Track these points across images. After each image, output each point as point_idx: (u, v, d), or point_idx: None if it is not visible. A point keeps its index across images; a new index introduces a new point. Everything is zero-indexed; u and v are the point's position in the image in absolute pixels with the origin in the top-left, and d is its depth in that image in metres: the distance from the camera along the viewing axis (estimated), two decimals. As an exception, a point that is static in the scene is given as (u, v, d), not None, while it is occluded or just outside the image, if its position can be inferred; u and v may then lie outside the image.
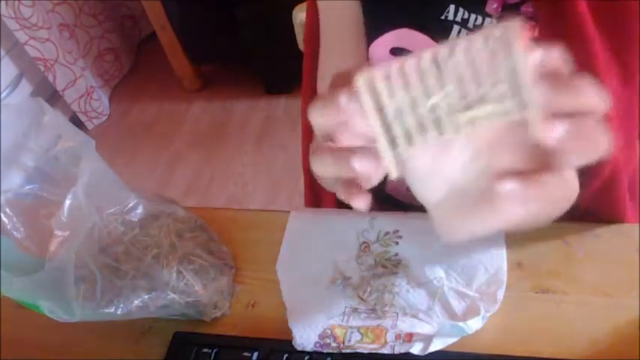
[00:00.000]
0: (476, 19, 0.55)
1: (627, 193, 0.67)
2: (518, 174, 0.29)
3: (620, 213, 0.61)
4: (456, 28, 0.55)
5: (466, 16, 0.55)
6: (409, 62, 0.26)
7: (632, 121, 0.56)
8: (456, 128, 0.27)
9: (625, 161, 0.60)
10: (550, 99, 0.26)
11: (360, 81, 0.27)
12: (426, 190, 0.33)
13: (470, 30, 0.55)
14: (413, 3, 0.56)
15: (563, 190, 0.29)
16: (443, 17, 0.55)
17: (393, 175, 0.29)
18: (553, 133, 0.26)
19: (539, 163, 0.29)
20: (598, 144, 0.27)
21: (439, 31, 0.56)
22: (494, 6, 0.54)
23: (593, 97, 0.27)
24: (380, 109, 0.28)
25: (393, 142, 0.29)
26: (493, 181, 0.29)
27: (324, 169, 0.34)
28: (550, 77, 0.26)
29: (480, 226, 0.31)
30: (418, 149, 0.29)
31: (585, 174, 0.57)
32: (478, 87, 0.26)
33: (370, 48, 0.60)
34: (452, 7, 0.55)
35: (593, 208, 0.59)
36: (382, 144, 0.29)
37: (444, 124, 0.27)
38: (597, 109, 0.27)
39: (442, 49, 0.26)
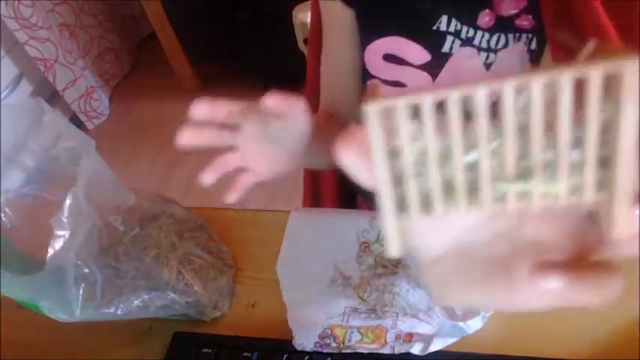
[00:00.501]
0: (468, 31, 0.54)
1: None
2: (556, 255, 0.22)
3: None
4: (449, 38, 0.55)
5: (459, 27, 0.55)
6: (452, 93, 0.17)
7: None
8: (497, 200, 0.19)
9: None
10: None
11: (372, 110, 0.18)
12: (423, 242, 0.25)
13: (463, 40, 0.55)
14: (405, 12, 0.56)
15: (609, 295, 0.22)
16: (435, 27, 0.55)
17: (392, 252, 0.22)
18: (635, 225, 0.19)
19: (583, 243, 0.22)
20: None
21: (432, 40, 0.56)
22: (487, 19, 0.53)
23: None
24: (393, 154, 0.19)
25: (401, 204, 0.20)
26: (522, 256, 0.22)
27: None
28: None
29: (484, 301, 0.24)
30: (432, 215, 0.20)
31: None
32: (547, 147, 0.18)
33: (365, 52, 0.60)
34: (444, 18, 0.55)
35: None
36: (386, 206, 0.20)
37: (480, 193, 0.19)
38: None
39: (509, 82, 0.17)
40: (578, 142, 0.17)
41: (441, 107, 0.17)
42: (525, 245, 0.22)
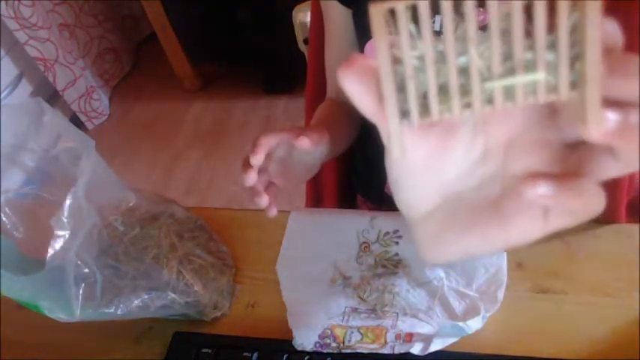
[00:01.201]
0: None
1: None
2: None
3: (617, 214, 0.61)
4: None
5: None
6: (446, 2, 0.20)
7: None
8: (487, 99, 0.21)
9: None
10: (605, 81, 0.20)
11: (375, 12, 0.19)
12: (415, 196, 0.26)
13: None
14: None
15: (595, 204, 0.22)
16: None
17: (395, 152, 0.23)
18: (606, 124, 0.20)
19: (565, 169, 0.23)
20: None
21: None
22: (481, 18, 0.53)
23: None
24: (395, 61, 0.21)
25: (402, 111, 0.21)
26: (511, 187, 0.24)
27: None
28: (605, 54, 0.20)
29: (479, 245, 0.25)
30: (428, 125, 0.22)
31: None
32: (527, 49, 0.20)
33: (364, 51, 0.61)
34: (437, 18, 0.55)
35: None
36: (390, 105, 0.21)
37: (473, 93, 0.20)
38: None
39: None
40: (552, 46, 0.20)
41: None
42: (513, 180, 0.23)
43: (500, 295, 0.53)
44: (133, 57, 2.51)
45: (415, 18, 0.20)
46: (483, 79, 0.20)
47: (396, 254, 0.59)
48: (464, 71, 0.20)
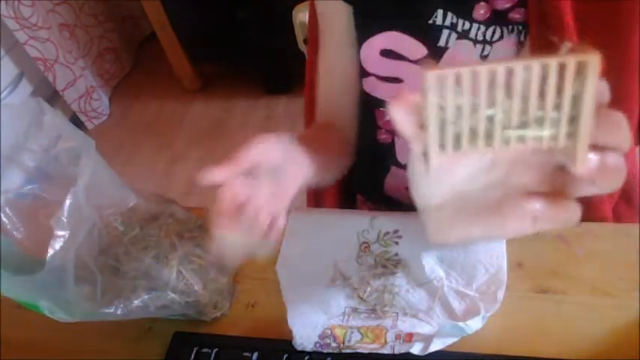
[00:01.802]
0: (463, 24, 0.55)
1: (621, 197, 0.67)
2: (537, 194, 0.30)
3: (599, 215, 0.62)
4: (445, 32, 0.56)
5: (454, 20, 0.55)
6: (482, 68, 0.26)
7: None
8: (505, 143, 0.28)
9: None
10: (593, 132, 0.27)
11: (430, 76, 0.26)
12: (430, 192, 0.33)
13: (459, 34, 0.55)
14: (401, 7, 0.56)
15: (573, 218, 0.30)
16: (431, 21, 0.55)
17: (431, 170, 0.29)
18: (590, 165, 0.28)
19: (554, 187, 0.30)
20: (619, 178, 0.28)
21: (428, 34, 0.56)
22: (482, 12, 0.54)
23: (626, 134, 0.28)
24: (440, 108, 0.27)
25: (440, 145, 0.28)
26: (511, 196, 0.31)
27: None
28: (596, 111, 0.26)
29: (480, 234, 0.32)
30: (460, 155, 0.29)
31: None
32: (539, 108, 0.27)
33: (361, 49, 0.60)
34: (440, 12, 0.55)
35: None
36: (433, 138, 0.28)
37: (495, 137, 0.28)
38: (627, 147, 0.28)
39: (518, 63, 0.26)
40: (557, 106, 0.26)
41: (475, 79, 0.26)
42: (512, 189, 0.31)
43: (500, 295, 0.53)
44: (133, 57, 2.51)
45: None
46: (504, 127, 0.27)
47: (396, 254, 0.59)
48: (490, 119, 0.27)
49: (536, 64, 0.25)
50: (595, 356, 0.49)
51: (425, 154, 0.29)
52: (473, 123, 0.27)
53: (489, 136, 0.27)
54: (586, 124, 0.26)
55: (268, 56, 2.03)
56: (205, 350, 0.54)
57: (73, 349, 0.58)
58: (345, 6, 0.60)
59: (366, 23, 0.59)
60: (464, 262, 0.56)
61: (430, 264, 0.56)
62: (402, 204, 0.72)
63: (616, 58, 0.51)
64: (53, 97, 2.08)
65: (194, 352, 0.54)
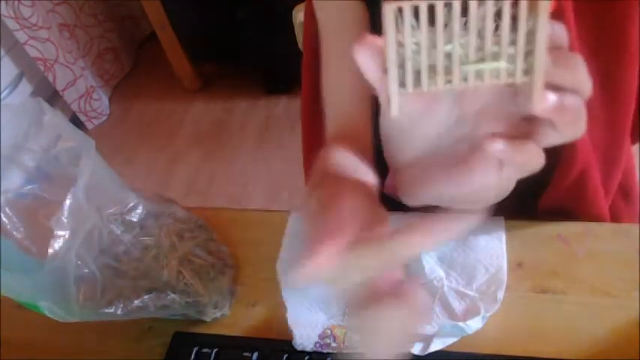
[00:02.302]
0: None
1: (620, 195, 0.67)
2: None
3: (594, 211, 0.61)
4: None
5: None
6: (438, 2, 0.26)
7: (617, 119, 0.56)
8: (464, 79, 0.28)
9: (610, 161, 0.60)
10: (550, 71, 0.27)
11: (388, 9, 0.26)
12: (402, 147, 0.34)
13: None
14: None
15: (536, 161, 0.30)
16: None
17: (393, 111, 0.29)
18: (547, 103, 0.28)
19: (519, 135, 0.30)
20: (580, 124, 0.29)
21: None
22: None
23: (585, 77, 0.28)
24: (399, 45, 0.27)
25: (400, 82, 0.29)
26: (477, 145, 0.30)
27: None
28: (552, 50, 0.27)
29: (450, 189, 0.33)
30: (418, 94, 0.29)
31: (554, 172, 0.57)
32: (495, 44, 0.27)
33: None
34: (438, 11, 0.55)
35: (566, 206, 0.60)
36: (392, 76, 0.28)
37: (453, 73, 0.28)
38: (585, 91, 0.28)
39: (473, 1, 0.26)
40: (513, 42, 0.27)
41: (432, 15, 0.27)
42: (479, 141, 0.30)
43: (500, 295, 0.53)
44: (133, 57, 2.51)
45: (416, 14, 0.27)
46: (462, 63, 0.28)
47: (396, 254, 0.59)
48: (448, 56, 0.28)
49: (489, 1, 0.26)
50: (595, 356, 0.49)
51: (388, 98, 0.29)
52: (432, 60, 0.28)
53: (448, 73, 0.28)
54: (540, 59, 0.27)
55: (268, 56, 2.03)
56: (205, 350, 0.54)
57: (73, 349, 0.58)
58: (354, 3, 0.58)
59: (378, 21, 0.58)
60: (464, 262, 0.56)
61: (430, 264, 0.56)
62: (401, 204, 0.72)
63: (615, 54, 0.51)
64: (53, 97, 2.08)
65: (194, 352, 0.54)
